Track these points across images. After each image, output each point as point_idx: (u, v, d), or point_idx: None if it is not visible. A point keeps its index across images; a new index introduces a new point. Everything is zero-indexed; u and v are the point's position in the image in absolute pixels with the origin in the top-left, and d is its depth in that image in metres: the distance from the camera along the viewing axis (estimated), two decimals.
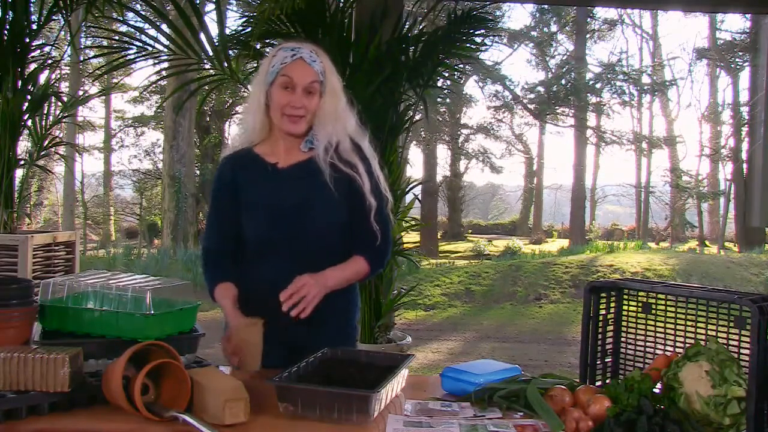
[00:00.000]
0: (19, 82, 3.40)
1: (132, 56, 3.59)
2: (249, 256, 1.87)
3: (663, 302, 1.68)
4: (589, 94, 20.20)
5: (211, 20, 11.80)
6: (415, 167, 21.85)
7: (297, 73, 1.76)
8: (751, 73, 17.80)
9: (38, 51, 3.70)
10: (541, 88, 20.59)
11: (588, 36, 21.25)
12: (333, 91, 1.83)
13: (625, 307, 1.72)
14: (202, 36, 3.51)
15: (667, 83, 22.60)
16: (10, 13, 3.36)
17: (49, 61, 3.76)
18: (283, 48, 1.81)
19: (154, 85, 16.48)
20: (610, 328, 1.72)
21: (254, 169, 1.86)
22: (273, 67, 1.78)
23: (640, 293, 1.70)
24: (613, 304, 1.71)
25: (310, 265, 1.79)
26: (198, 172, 17.47)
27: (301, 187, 1.82)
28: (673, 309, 1.66)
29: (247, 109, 1.89)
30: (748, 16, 15.19)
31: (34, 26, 3.49)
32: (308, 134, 1.85)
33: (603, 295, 1.69)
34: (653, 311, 1.69)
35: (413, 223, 4.48)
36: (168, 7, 5.99)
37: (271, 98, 1.80)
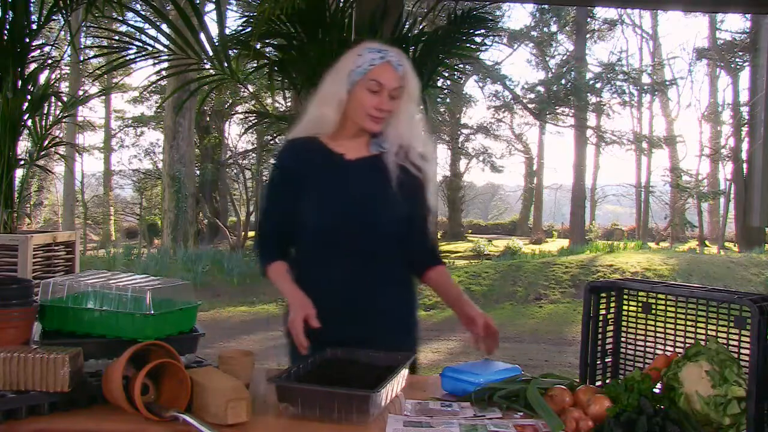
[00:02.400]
0: (19, 82, 3.39)
1: (132, 56, 3.58)
2: (307, 250, 1.85)
3: (663, 302, 1.67)
4: (589, 94, 20.21)
5: (211, 20, 11.80)
6: None
7: (386, 78, 1.77)
8: (751, 73, 17.82)
9: (38, 51, 3.69)
10: (541, 88, 20.61)
11: (588, 36, 21.26)
12: (410, 95, 1.84)
13: (625, 307, 1.72)
14: (202, 36, 3.50)
15: (667, 83, 22.61)
16: (10, 13, 3.36)
17: (49, 61, 3.76)
18: (369, 49, 1.81)
19: (154, 85, 16.50)
20: (610, 328, 1.72)
21: (320, 158, 1.85)
22: (360, 67, 1.79)
23: (640, 293, 1.70)
24: (613, 304, 1.71)
25: (369, 260, 1.81)
26: (198, 172, 17.48)
27: (368, 181, 1.83)
28: (673, 309, 1.65)
29: (320, 101, 1.86)
30: (748, 16, 15.19)
31: (34, 26, 3.49)
32: (378, 135, 1.85)
33: (603, 295, 1.69)
34: (653, 311, 1.69)
35: None
36: (168, 7, 6.00)
37: (353, 97, 1.80)
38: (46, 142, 3.67)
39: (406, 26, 3.76)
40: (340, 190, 1.83)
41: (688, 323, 1.63)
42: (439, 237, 19.36)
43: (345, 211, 1.81)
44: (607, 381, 1.68)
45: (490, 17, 4.11)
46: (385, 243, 1.83)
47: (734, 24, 38.94)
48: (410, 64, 1.85)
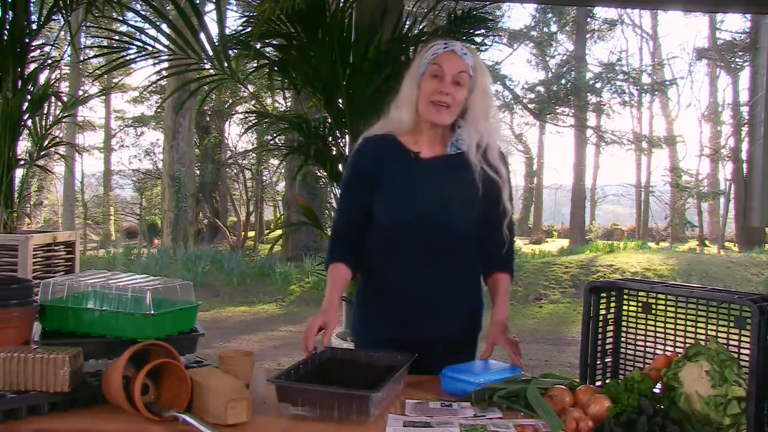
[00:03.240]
0: (19, 82, 3.39)
1: (132, 56, 3.58)
2: (380, 248, 1.85)
3: (663, 302, 1.67)
4: (589, 94, 20.19)
5: (211, 20, 11.81)
6: None
7: (447, 63, 1.77)
8: (751, 73, 17.79)
9: (38, 51, 3.70)
10: (541, 88, 20.58)
11: (588, 36, 21.24)
12: (483, 90, 1.82)
13: (625, 307, 1.72)
14: (202, 36, 3.50)
15: (667, 83, 22.59)
16: (10, 13, 3.36)
17: (49, 61, 3.76)
18: (435, 43, 1.82)
19: (154, 85, 16.50)
20: (610, 328, 1.72)
21: (396, 155, 1.84)
22: (425, 60, 1.80)
23: (640, 293, 1.70)
24: (613, 304, 1.71)
25: (443, 261, 1.81)
26: (198, 172, 17.46)
27: (443, 179, 1.82)
28: (673, 309, 1.65)
29: (397, 104, 1.87)
30: (748, 16, 15.19)
31: (34, 26, 3.49)
32: (452, 136, 1.84)
33: (603, 295, 1.69)
34: (653, 311, 1.69)
35: None
36: (168, 7, 5.99)
37: (420, 91, 1.80)
38: (46, 142, 3.68)
39: (406, 26, 3.76)
40: (414, 189, 1.82)
41: (688, 323, 1.63)
42: None
43: (418, 210, 1.80)
44: (607, 381, 1.68)
45: (490, 17, 4.11)
46: (457, 244, 1.83)
47: (734, 24, 38.91)
48: (480, 60, 1.84)
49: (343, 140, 3.55)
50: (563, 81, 20.13)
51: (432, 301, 1.82)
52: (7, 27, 3.35)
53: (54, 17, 3.54)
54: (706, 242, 20.65)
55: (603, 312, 1.69)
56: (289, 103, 12.37)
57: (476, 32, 3.81)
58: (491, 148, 1.83)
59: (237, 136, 20.86)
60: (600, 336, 1.69)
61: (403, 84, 1.86)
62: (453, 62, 1.77)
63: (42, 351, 1.38)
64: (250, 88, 11.51)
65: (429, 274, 1.81)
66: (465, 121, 1.82)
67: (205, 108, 17.57)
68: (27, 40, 3.42)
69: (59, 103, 3.83)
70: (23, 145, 3.87)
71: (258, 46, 3.56)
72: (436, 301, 1.82)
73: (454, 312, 1.85)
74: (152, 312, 1.54)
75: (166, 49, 3.52)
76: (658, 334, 1.68)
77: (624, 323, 1.73)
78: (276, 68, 3.60)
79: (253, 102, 15.87)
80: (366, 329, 1.89)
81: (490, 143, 1.83)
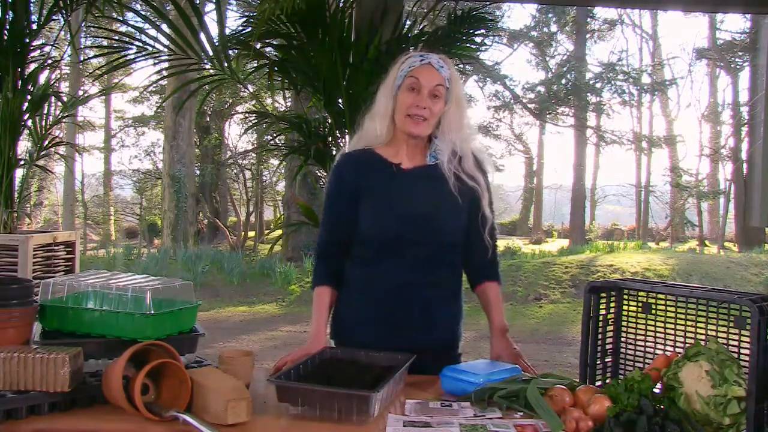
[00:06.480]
0: (19, 82, 3.40)
1: (132, 56, 3.57)
2: (369, 257, 1.85)
3: (663, 302, 1.67)
4: (589, 94, 20.20)
5: (211, 20, 11.80)
6: None
7: (424, 76, 1.79)
8: (751, 73, 17.81)
9: (38, 51, 3.69)
10: (541, 88, 20.60)
11: (588, 36, 21.25)
12: (458, 101, 1.84)
13: (625, 307, 1.72)
14: (202, 36, 3.50)
15: (667, 83, 22.60)
16: (10, 13, 3.36)
17: (49, 61, 3.76)
18: (412, 55, 1.84)
19: (154, 85, 16.50)
20: (610, 328, 1.72)
21: (378, 169, 1.85)
22: (401, 72, 1.81)
23: (640, 293, 1.70)
24: (613, 304, 1.71)
25: (429, 269, 1.82)
26: (198, 172, 17.47)
27: (427, 190, 1.84)
28: (673, 309, 1.65)
29: (372, 115, 1.88)
30: (748, 16, 15.19)
31: (34, 26, 3.49)
32: (431, 147, 1.86)
33: (603, 295, 1.69)
34: (653, 311, 1.69)
35: None
36: (168, 7, 6.00)
37: (397, 103, 1.82)
38: (46, 142, 3.67)
39: (406, 26, 3.76)
40: (399, 199, 1.83)
41: (688, 323, 1.63)
42: None
43: (403, 220, 1.81)
44: (607, 381, 1.68)
45: (490, 17, 4.10)
46: (443, 252, 1.84)
47: (734, 24, 39.02)
48: (455, 71, 1.85)
49: (343, 140, 3.55)
50: (563, 81, 20.15)
51: (418, 308, 1.83)
52: (7, 27, 3.35)
53: (54, 17, 3.54)
54: (706, 242, 20.66)
55: (603, 312, 1.69)
56: (289, 103, 12.37)
57: (476, 32, 3.80)
58: (466, 157, 1.86)
59: (237, 136, 20.88)
60: (600, 336, 1.69)
61: (378, 95, 1.87)
62: (430, 75, 1.79)
63: (42, 351, 1.38)
64: (250, 88, 11.52)
65: (415, 282, 1.82)
66: (440, 131, 1.85)
67: (205, 108, 17.57)
68: (27, 40, 3.42)
69: (59, 103, 3.83)
70: (23, 145, 3.87)
71: (258, 46, 3.56)
72: (421, 307, 1.83)
73: (439, 318, 1.86)
74: (152, 312, 1.54)
75: (166, 49, 3.51)
76: (658, 334, 1.68)
77: (624, 323, 1.73)
78: (276, 68, 3.60)
79: (253, 102, 15.88)
80: (350, 336, 1.88)
81: (464, 152, 1.86)
